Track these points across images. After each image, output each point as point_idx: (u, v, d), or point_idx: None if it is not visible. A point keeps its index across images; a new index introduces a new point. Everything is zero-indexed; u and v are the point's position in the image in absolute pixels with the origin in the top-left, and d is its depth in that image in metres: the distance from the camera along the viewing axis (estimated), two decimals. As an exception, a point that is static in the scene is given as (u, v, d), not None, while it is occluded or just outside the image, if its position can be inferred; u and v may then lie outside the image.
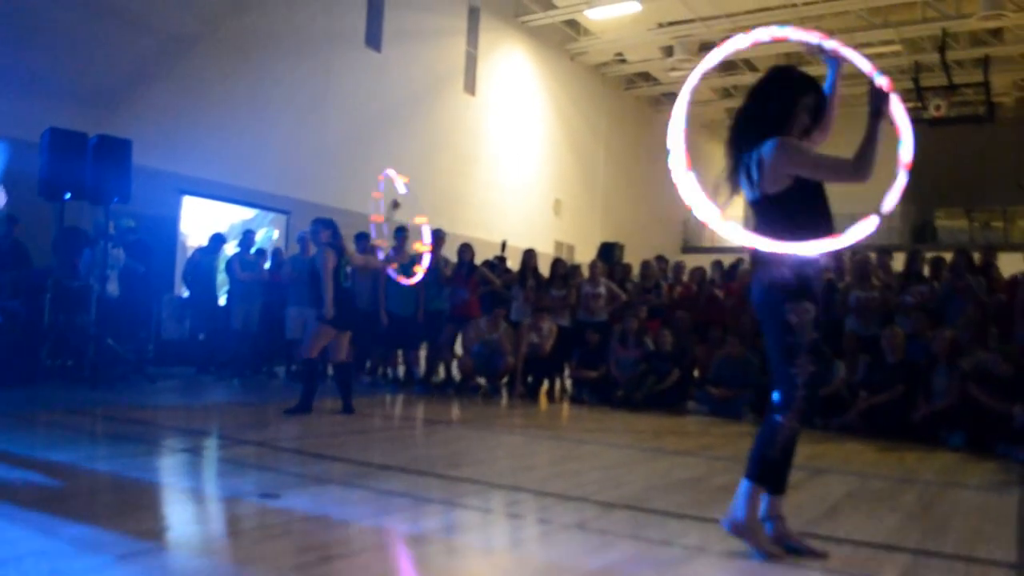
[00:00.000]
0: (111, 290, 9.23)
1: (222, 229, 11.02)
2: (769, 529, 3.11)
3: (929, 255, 9.26)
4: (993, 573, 3.11)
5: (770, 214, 3.15)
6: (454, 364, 10.25)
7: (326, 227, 7.13)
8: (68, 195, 8.50)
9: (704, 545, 3.27)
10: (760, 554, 3.04)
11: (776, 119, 3.16)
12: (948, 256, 8.95)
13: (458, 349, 10.31)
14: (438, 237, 10.28)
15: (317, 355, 7.21)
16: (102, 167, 8.44)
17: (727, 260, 11.20)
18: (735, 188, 3.27)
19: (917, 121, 20.72)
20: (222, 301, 10.73)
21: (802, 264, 3.06)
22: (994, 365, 6.94)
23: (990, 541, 3.58)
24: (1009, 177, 23.09)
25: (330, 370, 8.92)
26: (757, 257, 3.20)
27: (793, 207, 3.10)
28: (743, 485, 3.11)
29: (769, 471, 3.12)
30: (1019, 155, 23.98)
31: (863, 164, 2.97)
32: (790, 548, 3.08)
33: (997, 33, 19.61)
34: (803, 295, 3.06)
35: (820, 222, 3.09)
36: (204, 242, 10.75)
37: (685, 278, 10.68)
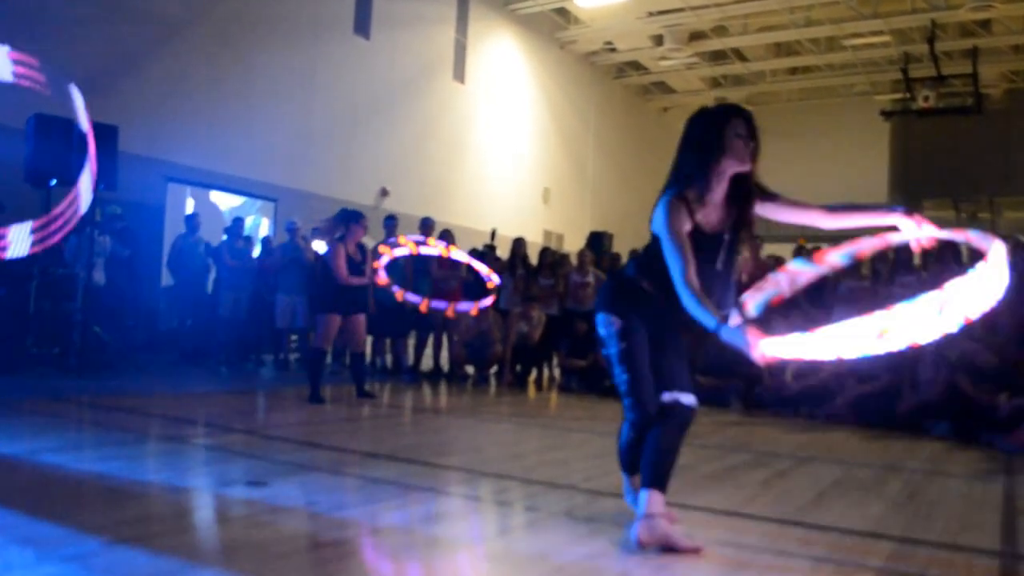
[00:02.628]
0: (97, 278, 9.18)
1: (197, 211, 10.94)
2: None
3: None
4: (977, 561, 3.13)
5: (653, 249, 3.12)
6: (443, 352, 10.26)
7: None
8: (54, 181, 8.43)
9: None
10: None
11: (703, 156, 3.02)
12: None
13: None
14: (427, 226, 10.29)
15: (328, 346, 7.25)
16: (88, 153, 8.36)
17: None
18: None
19: (906, 112, 20.87)
20: (210, 289, 10.69)
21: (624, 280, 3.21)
22: (979, 356, 6.98)
23: (975, 529, 3.60)
24: (996, 168, 23.22)
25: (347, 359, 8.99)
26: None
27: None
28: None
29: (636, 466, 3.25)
30: (1006, 146, 24.09)
31: (685, 293, 2.83)
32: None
33: (986, 24, 19.67)
34: (611, 308, 3.16)
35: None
36: (183, 229, 10.69)
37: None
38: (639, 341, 3.10)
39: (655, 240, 3.08)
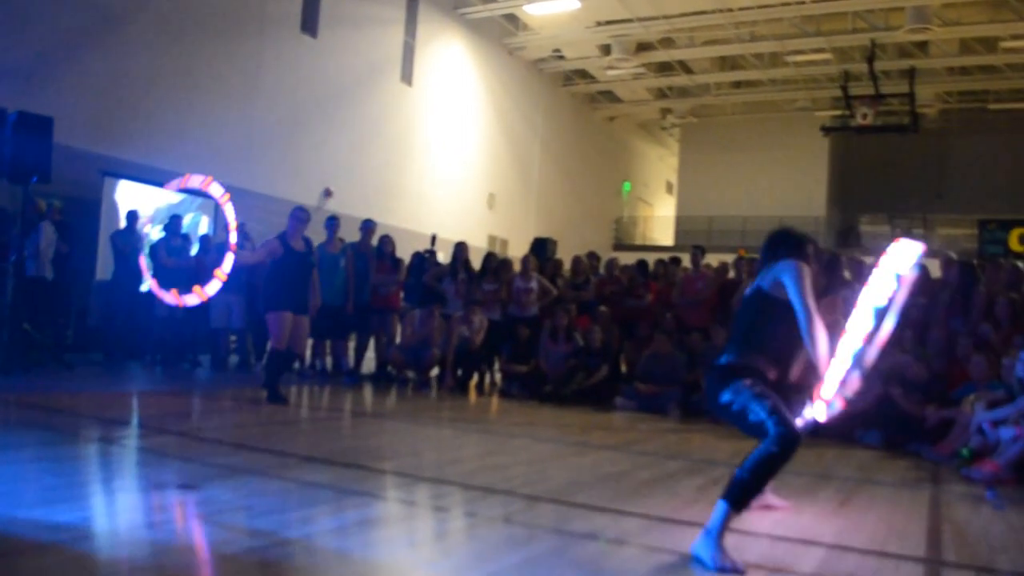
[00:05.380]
0: (45, 272, 8.97)
1: (136, 207, 10.70)
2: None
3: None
4: (903, 567, 3.20)
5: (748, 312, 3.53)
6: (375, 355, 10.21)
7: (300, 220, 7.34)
8: (35, 179, 8.19)
9: (627, 538, 3.30)
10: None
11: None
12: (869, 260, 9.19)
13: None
14: (368, 228, 10.24)
15: (285, 343, 7.14)
16: (22, 144, 8.15)
17: (653, 260, 11.25)
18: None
19: (845, 128, 21.37)
20: (145, 287, 10.45)
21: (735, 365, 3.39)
22: (908, 368, 7.16)
23: (902, 536, 3.69)
24: (930, 185, 23.86)
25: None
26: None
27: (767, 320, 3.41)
28: None
29: (747, 499, 3.17)
30: (941, 165, 24.80)
31: (814, 346, 3.21)
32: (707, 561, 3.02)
33: (923, 46, 20.23)
34: (734, 378, 3.32)
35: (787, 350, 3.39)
36: (122, 225, 10.45)
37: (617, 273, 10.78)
38: (764, 385, 3.27)
39: (751, 305, 3.49)
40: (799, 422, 3.12)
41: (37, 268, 8.99)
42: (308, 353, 9.70)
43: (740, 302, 3.71)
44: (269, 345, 7.45)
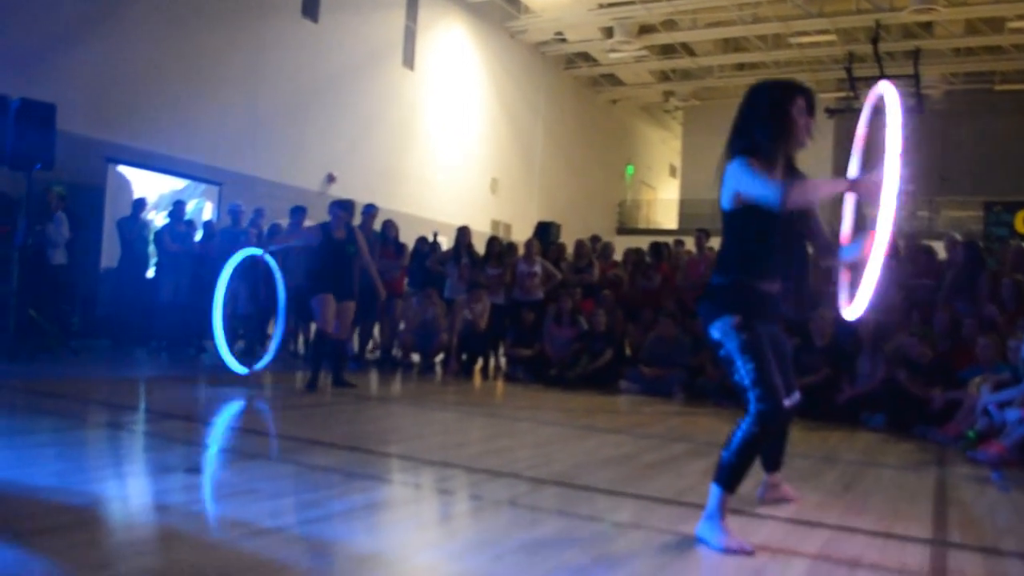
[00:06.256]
0: (59, 259, 9.01)
1: (144, 195, 10.71)
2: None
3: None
4: (909, 548, 3.20)
5: (725, 232, 3.22)
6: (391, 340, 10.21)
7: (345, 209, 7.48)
8: (38, 166, 8.20)
9: (632, 521, 3.31)
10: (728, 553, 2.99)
11: (772, 129, 3.10)
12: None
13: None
14: (370, 213, 10.23)
15: (331, 328, 7.28)
16: (24, 131, 8.15)
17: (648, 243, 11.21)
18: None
19: (849, 110, 21.25)
20: (151, 273, 10.47)
21: (730, 286, 3.16)
22: (913, 349, 7.15)
23: (907, 518, 3.69)
24: (935, 167, 23.77)
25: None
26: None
27: (744, 232, 3.14)
28: None
29: (737, 480, 3.11)
30: (945, 147, 24.68)
31: (796, 195, 2.91)
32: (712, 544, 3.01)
33: (928, 27, 20.09)
34: (725, 310, 3.12)
35: (765, 257, 3.14)
36: (128, 212, 10.46)
37: (618, 258, 10.77)
38: (758, 332, 3.08)
39: (730, 220, 3.15)
40: (786, 402, 3.06)
41: (56, 256, 9.05)
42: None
43: None
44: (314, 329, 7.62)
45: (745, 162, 3.02)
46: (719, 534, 2.97)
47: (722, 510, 3.01)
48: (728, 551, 2.92)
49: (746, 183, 3.00)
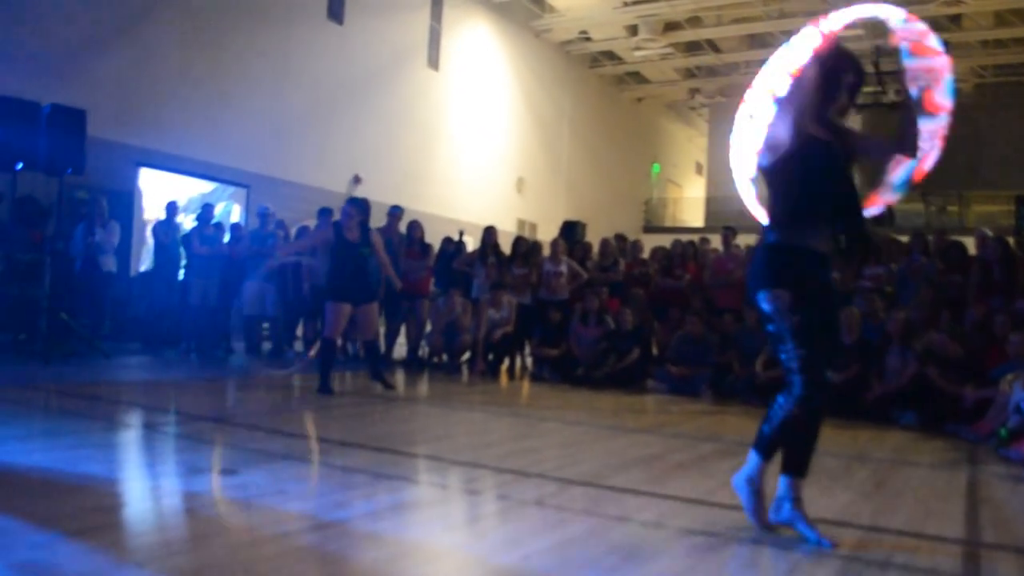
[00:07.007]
0: (108, 265, 9.23)
1: (176, 198, 10.82)
2: (786, 510, 3.14)
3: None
4: (941, 548, 3.17)
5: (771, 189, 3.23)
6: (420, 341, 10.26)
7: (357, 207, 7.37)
8: (20, 165, 8.31)
9: (660, 521, 3.30)
10: (752, 517, 3.19)
11: (815, 98, 3.13)
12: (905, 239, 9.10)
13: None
14: (395, 214, 10.28)
15: (339, 335, 7.36)
16: (56, 137, 8.26)
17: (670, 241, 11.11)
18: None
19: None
20: (180, 276, 10.57)
21: (782, 250, 3.13)
22: (943, 346, 7.07)
23: (939, 517, 3.66)
24: (965, 162, 23.45)
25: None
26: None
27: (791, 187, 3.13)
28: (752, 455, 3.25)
29: (775, 451, 3.20)
30: (975, 141, 24.36)
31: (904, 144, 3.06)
32: (803, 531, 3.09)
33: (956, 19, 19.85)
34: (777, 282, 3.10)
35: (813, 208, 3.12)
36: (163, 215, 10.58)
37: (645, 256, 10.73)
38: (810, 312, 3.07)
39: (777, 178, 3.16)
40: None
41: (106, 263, 9.22)
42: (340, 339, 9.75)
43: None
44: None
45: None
46: (803, 524, 3.09)
47: (760, 476, 3.17)
48: (820, 544, 3.02)
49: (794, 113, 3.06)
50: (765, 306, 3.14)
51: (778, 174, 3.14)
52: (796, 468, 3.14)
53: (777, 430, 3.13)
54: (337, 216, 10.13)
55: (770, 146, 3.14)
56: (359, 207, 7.35)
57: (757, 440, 3.22)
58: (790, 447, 3.16)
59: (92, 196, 9.64)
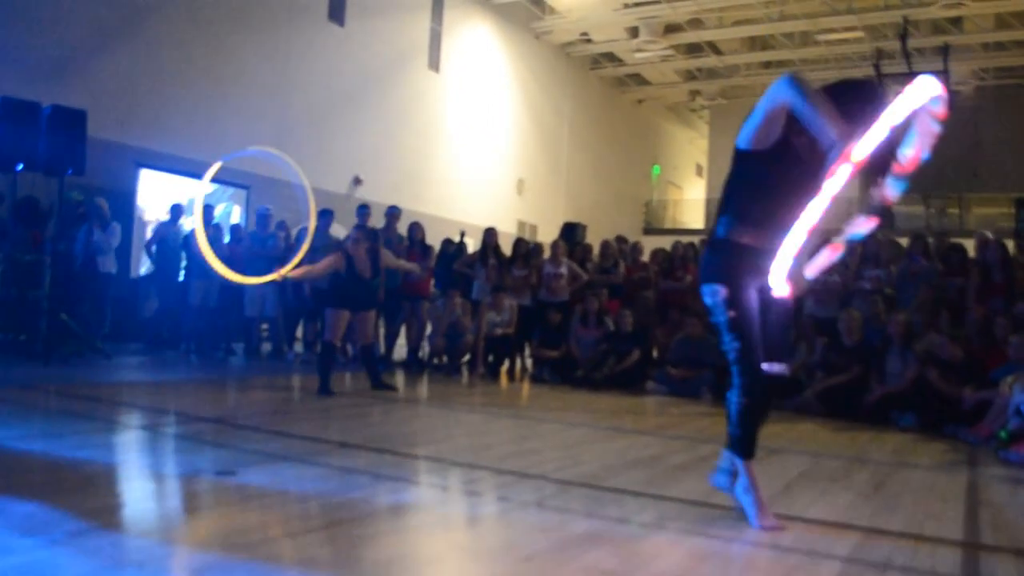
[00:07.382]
0: (108, 267, 9.20)
1: (180, 200, 10.83)
2: (721, 480, 3.45)
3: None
4: (940, 550, 3.17)
5: (733, 173, 3.25)
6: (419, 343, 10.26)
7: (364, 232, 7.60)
8: (20, 166, 8.31)
9: (660, 522, 3.30)
10: (756, 523, 3.24)
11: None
12: (904, 241, 9.10)
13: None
14: (392, 214, 10.30)
15: (339, 339, 7.46)
16: (56, 138, 8.26)
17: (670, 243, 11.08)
18: None
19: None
20: (180, 277, 10.58)
21: (725, 246, 3.24)
22: (943, 348, 7.07)
23: (938, 519, 3.66)
24: (966, 165, 23.45)
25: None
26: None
27: (749, 176, 3.18)
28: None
29: (753, 446, 3.37)
30: (976, 143, 24.36)
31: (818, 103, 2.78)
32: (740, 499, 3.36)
33: (957, 22, 19.86)
34: (715, 277, 3.23)
35: (769, 210, 3.15)
36: (165, 216, 10.59)
37: (645, 259, 10.73)
38: (746, 307, 3.20)
39: (735, 164, 3.21)
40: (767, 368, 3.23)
41: (106, 264, 9.22)
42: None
43: None
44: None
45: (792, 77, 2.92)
46: (755, 509, 3.24)
47: (752, 482, 3.30)
48: (763, 528, 3.18)
49: (788, 89, 2.87)
50: (707, 299, 3.29)
51: (745, 159, 3.17)
52: (742, 451, 3.34)
53: (738, 425, 3.31)
54: (336, 221, 10.19)
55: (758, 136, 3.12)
56: (366, 233, 7.45)
57: (731, 444, 3.38)
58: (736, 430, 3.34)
59: (87, 197, 9.63)
